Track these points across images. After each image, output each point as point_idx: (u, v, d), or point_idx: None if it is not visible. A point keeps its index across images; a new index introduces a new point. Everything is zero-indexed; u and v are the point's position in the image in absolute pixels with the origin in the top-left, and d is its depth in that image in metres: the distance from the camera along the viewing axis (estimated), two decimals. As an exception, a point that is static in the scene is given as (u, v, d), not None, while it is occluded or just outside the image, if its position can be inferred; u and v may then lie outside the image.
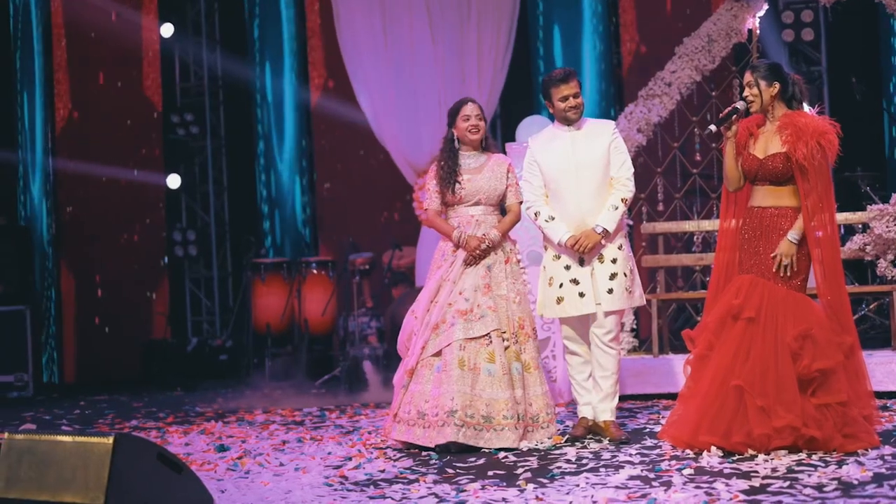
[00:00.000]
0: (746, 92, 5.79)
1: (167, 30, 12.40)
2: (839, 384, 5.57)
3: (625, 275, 6.30)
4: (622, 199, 6.30)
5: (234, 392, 9.77)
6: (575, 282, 6.29)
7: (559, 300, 6.32)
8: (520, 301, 6.39)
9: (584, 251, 6.24)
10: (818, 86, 12.13)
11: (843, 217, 8.55)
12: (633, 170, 6.40)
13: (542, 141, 6.49)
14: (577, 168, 6.31)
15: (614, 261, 6.29)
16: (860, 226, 8.74)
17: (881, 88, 11.78)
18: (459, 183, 6.39)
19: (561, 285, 6.32)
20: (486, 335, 6.22)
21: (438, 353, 6.25)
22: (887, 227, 7.95)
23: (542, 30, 12.67)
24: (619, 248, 6.33)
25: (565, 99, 6.32)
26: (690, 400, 5.80)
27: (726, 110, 5.82)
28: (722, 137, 5.88)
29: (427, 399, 6.20)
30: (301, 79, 12.73)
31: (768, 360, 5.57)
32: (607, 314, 6.28)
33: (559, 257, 6.35)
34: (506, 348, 6.25)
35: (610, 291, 6.26)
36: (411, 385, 6.30)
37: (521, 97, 12.79)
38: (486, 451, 6.10)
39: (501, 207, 6.55)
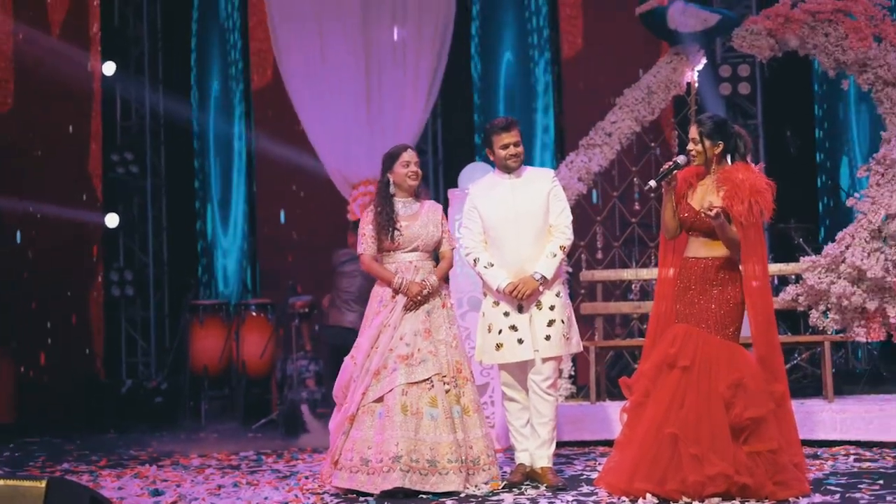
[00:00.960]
0: (690, 146, 5.89)
1: (109, 68, 12.36)
2: (770, 432, 5.65)
3: (562, 321, 6.36)
4: (560, 247, 6.38)
5: (169, 435, 9.68)
6: (514, 328, 6.34)
7: (498, 346, 6.37)
8: (456, 345, 6.44)
9: (522, 298, 6.30)
10: (754, 139, 12.36)
11: (776, 268, 8.72)
12: (571, 217, 6.48)
13: (482, 188, 6.56)
14: (517, 215, 6.38)
15: (552, 307, 6.35)
16: (793, 276, 8.90)
17: (814, 143, 12.04)
18: (398, 230, 6.43)
19: (500, 332, 6.37)
20: (428, 379, 6.25)
21: (380, 399, 6.24)
22: (819, 278, 8.09)
23: (481, 79, 12.83)
24: (558, 294, 6.39)
25: (506, 147, 6.40)
26: (627, 447, 5.85)
27: (667, 165, 5.91)
28: (660, 191, 5.97)
29: (370, 445, 6.18)
30: (243, 120, 12.75)
31: (702, 408, 5.63)
32: (545, 360, 6.33)
33: (498, 304, 6.40)
34: (446, 392, 6.27)
35: (548, 338, 6.31)
36: (352, 431, 6.27)
37: (461, 143, 12.91)
38: (426, 496, 6.09)
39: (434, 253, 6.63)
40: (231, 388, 10.69)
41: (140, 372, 12.39)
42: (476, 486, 6.22)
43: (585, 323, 8.74)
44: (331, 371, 8.26)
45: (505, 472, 6.78)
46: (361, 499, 6.09)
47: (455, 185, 8.53)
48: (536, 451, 6.38)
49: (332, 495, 6.20)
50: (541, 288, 6.32)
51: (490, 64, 12.91)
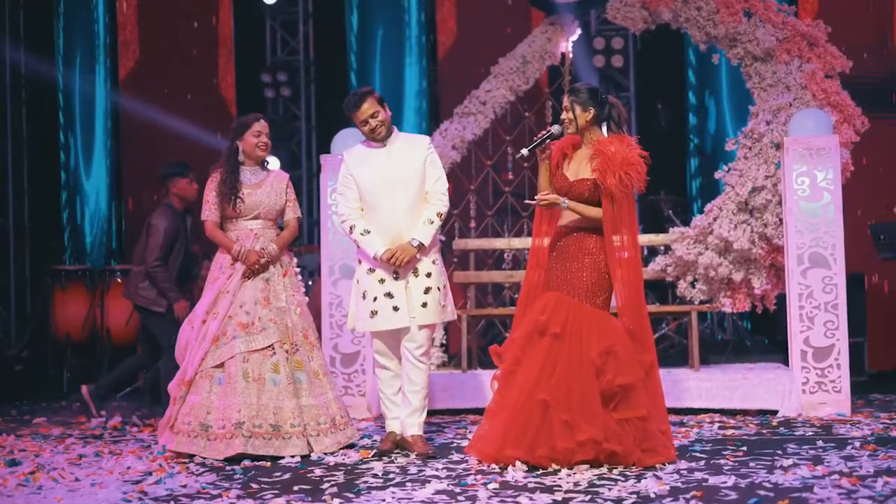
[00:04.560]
0: (563, 115, 5.89)
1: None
2: (639, 399, 5.71)
3: (439, 289, 6.33)
4: (438, 214, 6.34)
5: (29, 404, 9.37)
6: (389, 295, 6.27)
7: (373, 314, 6.29)
8: (300, 312, 6.48)
9: (399, 265, 6.23)
10: (626, 111, 12.49)
11: (646, 239, 8.82)
12: (447, 185, 6.44)
13: (357, 154, 6.46)
14: (393, 182, 6.30)
15: (429, 275, 6.31)
16: (662, 248, 9.01)
17: (685, 116, 12.22)
18: (240, 198, 6.43)
19: (375, 299, 6.29)
20: (270, 346, 6.30)
21: (220, 365, 6.27)
22: (687, 249, 8.21)
23: (357, 41, 12.70)
24: (434, 262, 6.36)
25: (364, 122, 6.33)
26: (497, 415, 5.85)
27: (540, 135, 5.89)
28: (534, 160, 5.96)
29: (210, 411, 6.22)
30: (109, 79, 12.38)
31: (573, 375, 5.66)
32: (420, 328, 6.29)
33: (373, 271, 6.32)
34: (289, 358, 6.31)
35: (424, 305, 6.27)
36: (190, 396, 6.30)
37: (335, 109, 12.76)
38: (290, 464, 6.01)
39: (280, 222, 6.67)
40: (95, 356, 10.38)
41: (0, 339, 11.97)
42: (336, 445, 6.26)
43: (458, 291, 8.73)
44: None
45: (375, 440, 6.76)
46: (228, 467, 5.98)
47: (328, 151, 8.40)
48: (407, 420, 6.34)
49: (197, 464, 6.07)
50: (418, 255, 6.27)
51: (366, 28, 12.78)
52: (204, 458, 6.16)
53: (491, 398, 5.98)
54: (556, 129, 5.88)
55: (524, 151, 5.90)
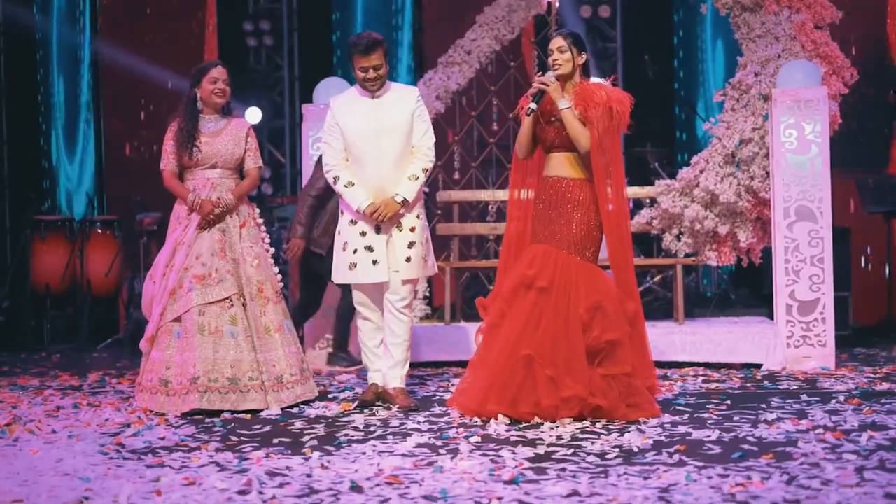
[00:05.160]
0: (557, 56, 5.76)
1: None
2: (625, 355, 5.66)
3: (422, 244, 6.24)
4: (423, 169, 6.22)
5: (8, 355, 9.28)
6: (370, 249, 6.18)
7: (352, 266, 6.20)
8: (258, 264, 6.36)
9: (382, 220, 6.14)
10: (612, 62, 12.39)
11: (632, 191, 8.71)
12: (434, 139, 6.30)
13: (344, 103, 6.33)
14: (379, 134, 6.17)
15: (413, 229, 6.21)
16: (648, 200, 8.94)
17: (671, 68, 12.11)
18: (197, 146, 6.30)
19: (355, 251, 6.20)
20: (227, 298, 6.21)
21: (178, 319, 6.19)
22: (673, 202, 8.13)
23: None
24: (418, 216, 6.25)
25: (365, 70, 6.17)
26: (480, 368, 5.79)
27: (538, 84, 5.76)
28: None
29: (169, 366, 6.16)
30: (89, 27, 12.19)
31: (559, 330, 5.60)
32: (405, 282, 6.21)
33: (355, 223, 6.22)
34: (245, 311, 6.24)
35: (408, 260, 6.18)
36: (153, 352, 6.24)
37: (318, 58, 12.61)
38: (271, 417, 5.96)
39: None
40: (75, 308, 10.30)
41: (-22, 290, 11.86)
42: (282, 404, 6.18)
43: (441, 244, 8.66)
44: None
45: (357, 392, 6.70)
46: (208, 420, 5.92)
47: (311, 101, 8.29)
48: (389, 372, 6.28)
49: (177, 416, 6.00)
50: (402, 210, 6.17)
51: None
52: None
53: (475, 351, 5.92)
54: (549, 76, 5.77)
55: (533, 106, 5.76)
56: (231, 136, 6.40)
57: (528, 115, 5.79)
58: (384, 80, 6.23)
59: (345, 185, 6.21)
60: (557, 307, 5.63)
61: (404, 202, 6.15)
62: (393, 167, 6.18)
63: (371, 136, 6.17)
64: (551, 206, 5.78)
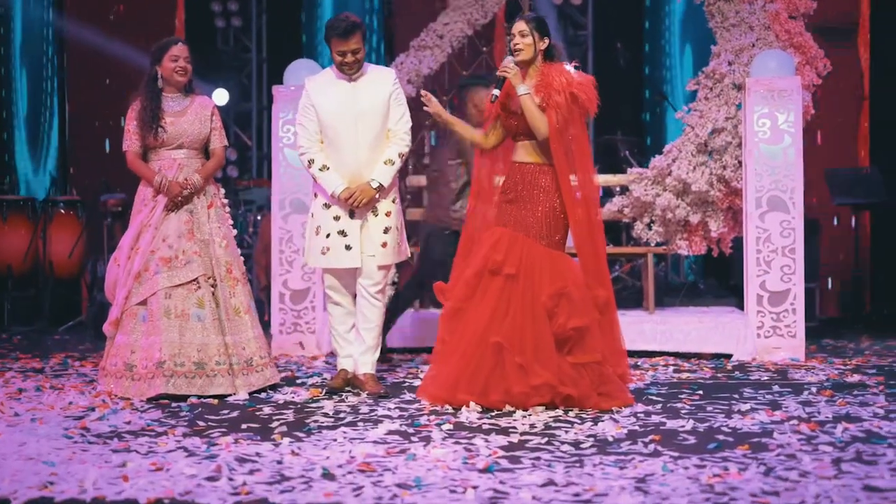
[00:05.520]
0: (518, 40, 5.68)
1: None
2: (594, 343, 5.59)
3: (397, 229, 6.16)
4: (399, 154, 6.12)
5: (-32, 336, 9.12)
6: (343, 233, 6.08)
7: (325, 250, 6.11)
8: (227, 245, 6.26)
9: (357, 205, 6.04)
10: (583, 50, 12.36)
11: (603, 179, 8.70)
12: (410, 123, 6.20)
13: (319, 84, 6.21)
14: (355, 116, 6.06)
15: (388, 214, 6.12)
16: (618, 188, 8.91)
17: (642, 56, 12.09)
18: (162, 126, 6.16)
19: (328, 235, 6.10)
20: (194, 280, 6.09)
21: (144, 302, 6.07)
22: (645, 190, 8.09)
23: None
24: (393, 201, 6.17)
25: (342, 54, 6.05)
26: (448, 356, 5.71)
27: (502, 70, 5.68)
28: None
29: (134, 350, 6.05)
30: (52, 3, 11.99)
31: (526, 317, 5.54)
32: (379, 268, 6.12)
33: (329, 207, 6.11)
34: (213, 293, 6.11)
35: (384, 245, 6.10)
36: (118, 336, 6.12)
37: (287, 40, 12.50)
38: (239, 402, 5.87)
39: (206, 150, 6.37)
40: (37, 289, 10.13)
41: (-63, 270, 11.64)
42: (250, 388, 6.09)
43: (410, 229, 8.56)
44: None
45: (325, 378, 6.62)
46: (174, 404, 5.82)
47: (279, 83, 8.17)
48: (360, 357, 6.20)
49: (141, 401, 5.89)
50: (377, 196, 6.08)
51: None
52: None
53: (438, 337, 5.83)
54: (509, 61, 5.69)
55: (496, 93, 5.69)
56: (196, 115, 6.26)
57: (492, 102, 5.72)
58: (362, 63, 6.13)
59: (319, 169, 6.10)
60: (524, 294, 5.57)
61: (380, 187, 6.06)
62: (369, 151, 6.08)
63: (347, 118, 6.07)
64: (518, 192, 5.72)
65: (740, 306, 8.19)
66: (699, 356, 7.60)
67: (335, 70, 6.17)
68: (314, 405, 5.81)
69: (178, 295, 6.06)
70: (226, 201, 6.42)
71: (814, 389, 6.07)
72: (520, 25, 5.72)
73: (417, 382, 6.26)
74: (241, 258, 6.39)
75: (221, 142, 6.36)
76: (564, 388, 5.50)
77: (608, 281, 5.81)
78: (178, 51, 6.23)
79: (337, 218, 6.10)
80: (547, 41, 5.71)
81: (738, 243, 8.23)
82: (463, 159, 7.13)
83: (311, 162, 6.13)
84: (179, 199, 6.16)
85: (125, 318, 6.11)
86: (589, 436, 4.88)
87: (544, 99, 5.59)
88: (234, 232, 6.39)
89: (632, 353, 7.48)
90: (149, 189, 6.22)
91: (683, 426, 5.06)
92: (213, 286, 6.14)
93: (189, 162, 6.23)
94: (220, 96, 12.35)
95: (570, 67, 5.70)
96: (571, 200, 5.65)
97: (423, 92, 5.93)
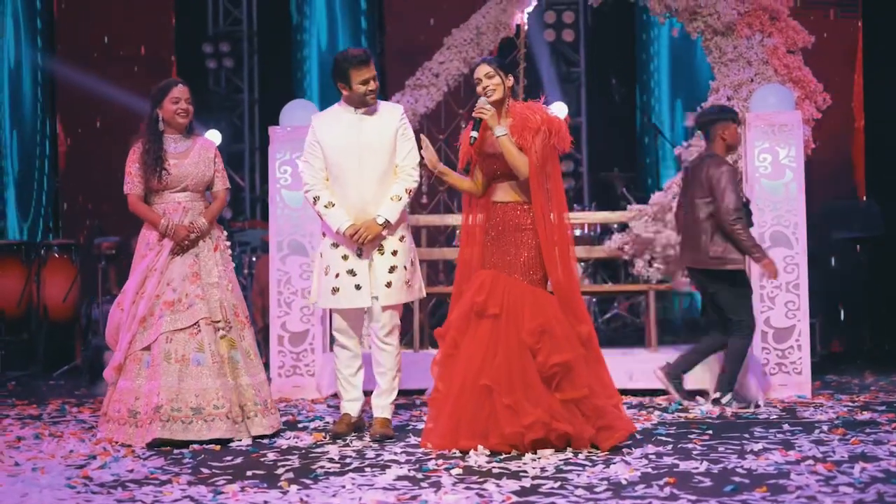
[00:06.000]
0: (487, 83, 5.66)
1: None
2: (581, 378, 5.51)
3: (405, 267, 6.03)
4: (406, 190, 6.04)
5: (-39, 382, 9.00)
6: (352, 273, 5.98)
7: (335, 290, 6.01)
8: (232, 288, 6.18)
9: (363, 242, 5.96)
10: (577, 86, 12.36)
11: (602, 216, 8.70)
12: (419, 159, 6.10)
13: (326, 120, 6.14)
14: (361, 152, 5.99)
15: (395, 253, 6.01)
16: (615, 225, 8.85)
17: (635, 92, 12.09)
18: (166, 169, 6.08)
19: (337, 275, 6.00)
20: (195, 324, 5.99)
21: (148, 348, 5.98)
22: (646, 227, 8.04)
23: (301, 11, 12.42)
24: (401, 239, 6.06)
25: (366, 82, 5.98)
26: (444, 404, 5.62)
27: (478, 112, 5.64)
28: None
29: (138, 396, 5.94)
30: (41, 43, 11.96)
31: (512, 356, 5.48)
32: (385, 309, 6.01)
33: (337, 246, 6.02)
34: (221, 337, 6.03)
35: (388, 285, 5.97)
36: (120, 382, 6.01)
37: (279, 81, 12.48)
38: (242, 448, 5.76)
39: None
40: (31, 334, 10.02)
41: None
42: (271, 428, 6.02)
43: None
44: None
45: (327, 422, 6.53)
46: (176, 451, 5.71)
47: (271, 124, 8.11)
48: (374, 400, 6.10)
49: (142, 448, 5.79)
50: (384, 232, 6.00)
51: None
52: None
53: (433, 385, 5.75)
54: (483, 102, 5.66)
55: (474, 135, 5.65)
56: (199, 157, 6.19)
57: (471, 145, 5.69)
58: (377, 93, 6.07)
59: (325, 206, 6.02)
60: (509, 333, 5.52)
61: (386, 224, 5.97)
62: (375, 186, 5.99)
63: (352, 152, 5.99)
64: (499, 232, 5.68)
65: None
66: (703, 393, 7.51)
67: (342, 106, 6.11)
68: (318, 450, 5.70)
69: (179, 339, 5.97)
70: (228, 244, 6.35)
71: (825, 428, 5.99)
72: (484, 69, 5.73)
73: (421, 425, 6.15)
74: (244, 301, 6.31)
75: (224, 184, 6.30)
76: (558, 424, 5.42)
77: (587, 316, 5.77)
78: (179, 92, 6.16)
79: (345, 257, 6.00)
80: (511, 79, 5.74)
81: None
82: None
83: (316, 199, 6.05)
84: (186, 242, 6.08)
85: (129, 363, 6.01)
86: (602, 479, 4.79)
87: (521, 138, 5.57)
88: (233, 275, 6.31)
89: (636, 393, 7.44)
90: (153, 233, 6.13)
91: (697, 468, 4.98)
92: (224, 329, 6.04)
93: (193, 205, 6.16)
94: (213, 137, 12.28)
95: (557, 107, 5.70)
96: (548, 239, 5.61)
97: (422, 137, 5.88)
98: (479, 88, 5.71)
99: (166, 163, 6.09)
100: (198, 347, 5.97)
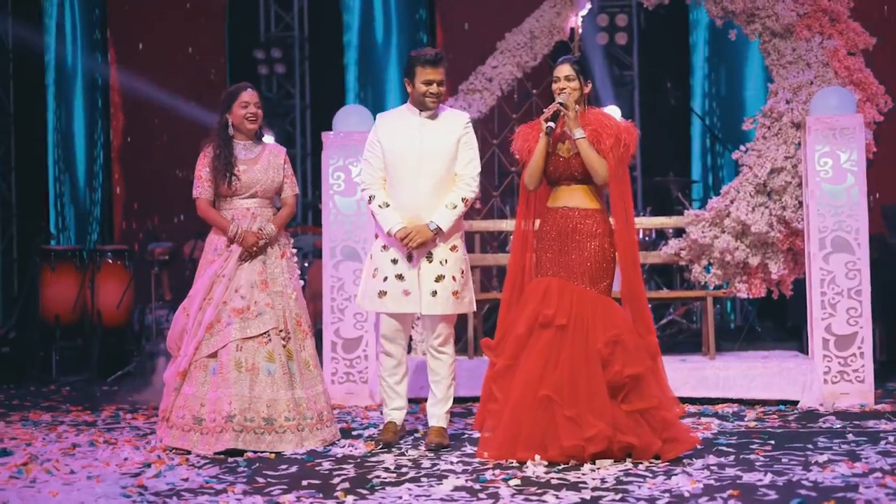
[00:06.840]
0: (564, 84, 5.59)
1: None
2: (650, 389, 5.44)
3: (454, 278, 5.92)
4: (463, 199, 5.92)
5: (17, 388, 9.03)
6: (400, 277, 5.91)
7: (381, 294, 5.93)
8: (296, 297, 6.12)
9: (413, 246, 5.87)
10: (630, 90, 12.23)
11: (658, 221, 8.57)
12: (479, 169, 6.01)
13: (389, 120, 6.07)
14: (421, 156, 5.90)
15: (444, 262, 5.91)
16: (671, 231, 8.73)
17: (689, 93, 11.95)
18: (236, 175, 6.03)
19: (385, 279, 5.92)
20: (265, 333, 5.93)
21: (214, 354, 5.92)
22: (703, 232, 7.91)
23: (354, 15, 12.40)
24: (453, 249, 5.95)
25: (429, 83, 5.90)
26: (500, 415, 5.53)
27: (552, 108, 5.58)
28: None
29: (203, 403, 5.87)
30: (99, 53, 12.03)
31: (578, 367, 5.38)
32: (439, 319, 5.92)
33: (387, 248, 5.94)
34: (284, 346, 5.96)
35: (434, 294, 5.87)
36: (184, 388, 5.95)
37: (331, 86, 12.47)
38: (297, 457, 5.72)
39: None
40: (85, 339, 10.05)
41: (-15, 321, 11.63)
42: (324, 442, 5.95)
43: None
44: None
45: (380, 429, 6.45)
46: (231, 459, 5.68)
47: (323, 129, 8.07)
48: (429, 409, 6.04)
49: (198, 456, 5.76)
50: (436, 240, 5.91)
51: (363, 2, 12.49)
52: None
53: (488, 396, 5.65)
54: (566, 97, 5.58)
55: (551, 125, 5.57)
56: (269, 162, 6.14)
57: (548, 135, 5.58)
58: (441, 98, 6.00)
59: (379, 206, 5.94)
60: (575, 343, 5.42)
61: (438, 231, 5.87)
62: (430, 192, 5.90)
63: (411, 156, 5.91)
64: (561, 238, 5.59)
65: (801, 349, 7.97)
66: (764, 402, 7.37)
67: (408, 107, 6.04)
68: (374, 459, 5.65)
69: (248, 348, 5.91)
70: (294, 251, 6.28)
71: (891, 438, 5.84)
72: (565, 69, 5.63)
73: (476, 434, 6.06)
74: (307, 310, 6.24)
75: (293, 190, 6.24)
76: (623, 436, 5.33)
77: (653, 326, 5.69)
78: (248, 97, 6.12)
79: (395, 261, 5.93)
80: (590, 85, 5.66)
81: (796, 284, 8.03)
82: None
83: (371, 198, 5.98)
84: (254, 249, 6.03)
85: (194, 370, 5.95)
86: (664, 491, 4.70)
87: (599, 143, 5.49)
88: (302, 283, 6.25)
89: (695, 401, 7.31)
90: (221, 238, 6.09)
91: (761, 480, 4.87)
92: (284, 339, 5.98)
93: (261, 211, 6.11)
94: (267, 140, 12.31)
95: (610, 111, 5.65)
96: (629, 248, 5.52)
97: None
98: (554, 86, 5.62)
99: (236, 168, 6.04)
100: (267, 357, 5.91)
